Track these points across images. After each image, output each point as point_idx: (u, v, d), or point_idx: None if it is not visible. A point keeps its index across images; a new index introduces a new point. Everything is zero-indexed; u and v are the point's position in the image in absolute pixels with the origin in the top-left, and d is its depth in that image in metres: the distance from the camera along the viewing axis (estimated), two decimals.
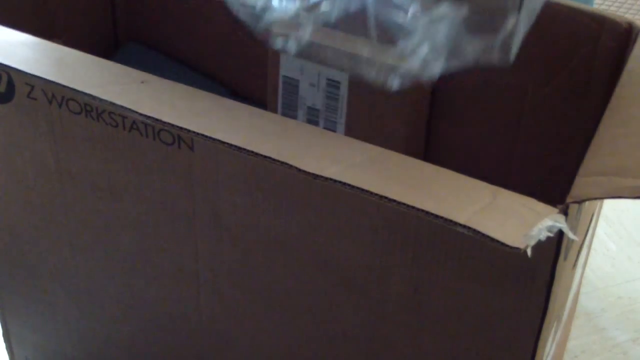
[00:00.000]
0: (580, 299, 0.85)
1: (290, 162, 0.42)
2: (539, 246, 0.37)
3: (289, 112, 0.77)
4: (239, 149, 0.43)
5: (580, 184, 0.40)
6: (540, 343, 0.45)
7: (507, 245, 0.36)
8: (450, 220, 0.38)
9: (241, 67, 0.83)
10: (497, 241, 0.37)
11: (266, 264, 0.50)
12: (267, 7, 0.50)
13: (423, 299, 0.47)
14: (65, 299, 0.62)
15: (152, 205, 0.52)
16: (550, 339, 0.49)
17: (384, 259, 0.46)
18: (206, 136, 0.44)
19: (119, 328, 0.61)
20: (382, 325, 0.49)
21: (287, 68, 0.75)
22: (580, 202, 0.39)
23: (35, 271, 0.62)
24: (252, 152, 0.43)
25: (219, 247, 0.51)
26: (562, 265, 0.43)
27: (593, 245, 0.89)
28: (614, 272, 0.89)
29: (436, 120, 0.76)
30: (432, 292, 0.46)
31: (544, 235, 0.37)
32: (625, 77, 0.53)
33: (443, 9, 0.48)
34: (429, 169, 0.43)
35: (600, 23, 0.63)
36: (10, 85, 0.51)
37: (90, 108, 0.49)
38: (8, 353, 0.71)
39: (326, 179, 0.41)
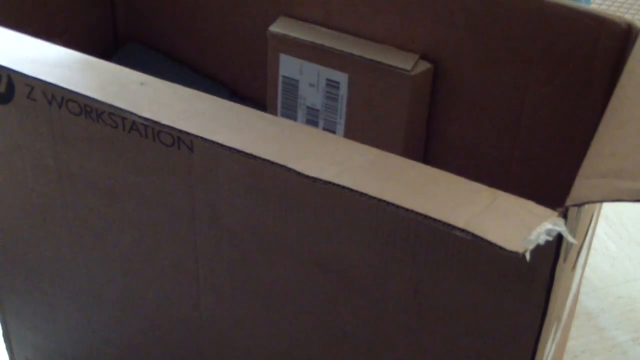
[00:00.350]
0: (580, 299, 0.85)
1: (289, 165, 0.42)
2: (539, 248, 0.37)
3: (289, 112, 0.77)
4: (238, 151, 0.43)
5: (580, 187, 0.40)
6: (540, 344, 0.45)
7: (506, 250, 0.36)
8: (449, 224, 0.39)
9: (241, 67, 0.83)
10: (496, 245, 0.37)
11: (266, 265, 0.50)
12: None
13: (423, 299, 0.47)
14: (65, 299, 0.62)
15: (152, 205, 0.52)
16: (550, 339, 0.50)
17: (384, 259, 0.46)
18: (205, 139, 0.44)
19: (119, 328, 0.61)
20: (382, 325, 0.50)
21: (287, 68, 0.75)
22: (579, 205, 0.39)
23: (35, 271, 0.62)
24: (251, 154, 0.43)
25: (218, 247, 0.51)
26: (562, 267, 0.43)
27: (593, 245, 0.89)
28: (614, 272, 0.89)
29: (436, 120, 0.76)
30: (432, 293, 0.46)
31: (542, 239, 0.37)
32: (625, 77, 0.53)
33: None
34: (428, 171, 0.43)
35: (600, 23, 0.63)
36: (10, 85, 0.51)
37: (89, 109, 0.49)
38: (8, 353, 0.71)
39: (325, 182, 0.41)
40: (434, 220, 0.39)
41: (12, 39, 0.52)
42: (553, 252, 0.40)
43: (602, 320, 0.83)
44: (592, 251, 0.90)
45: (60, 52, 0.51)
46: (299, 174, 0.42)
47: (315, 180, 0.41)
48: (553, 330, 0.50)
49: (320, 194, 0.44)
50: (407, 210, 0.40)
